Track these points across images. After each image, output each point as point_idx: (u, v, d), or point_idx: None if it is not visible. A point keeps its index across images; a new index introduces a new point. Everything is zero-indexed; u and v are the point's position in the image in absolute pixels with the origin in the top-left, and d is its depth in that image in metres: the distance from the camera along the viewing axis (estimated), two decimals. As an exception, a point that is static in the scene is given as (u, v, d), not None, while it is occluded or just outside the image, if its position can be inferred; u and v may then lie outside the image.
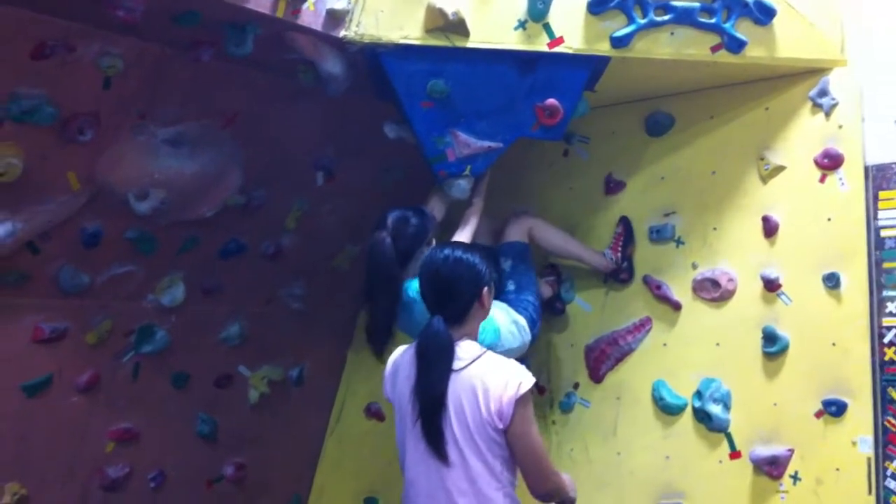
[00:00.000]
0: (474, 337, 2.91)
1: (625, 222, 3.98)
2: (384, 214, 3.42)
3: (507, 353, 3.25)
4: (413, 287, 3.27)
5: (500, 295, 3.64)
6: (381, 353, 3.33)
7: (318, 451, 4.80)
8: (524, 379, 2.72)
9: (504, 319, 3.46)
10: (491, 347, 3.04)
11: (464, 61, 3.47)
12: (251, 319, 4.34)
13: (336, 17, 3.32)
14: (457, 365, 2.75)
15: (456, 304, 2.82)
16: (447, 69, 3.49)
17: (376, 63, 3.49)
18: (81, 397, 3.79)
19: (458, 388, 2.74)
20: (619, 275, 3.96)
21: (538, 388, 3.93)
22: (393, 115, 3.79)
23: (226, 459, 4.39)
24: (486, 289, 2.87)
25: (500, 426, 2.71)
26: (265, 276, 4.32)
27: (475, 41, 3.38)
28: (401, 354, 3.02)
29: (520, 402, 2.69)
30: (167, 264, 3.92)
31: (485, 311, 2.92)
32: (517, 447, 2.74)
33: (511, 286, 3.70)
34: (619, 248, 3.94)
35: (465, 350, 2.79)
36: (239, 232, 4.11)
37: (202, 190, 3.71)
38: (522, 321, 3.53)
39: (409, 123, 3.64)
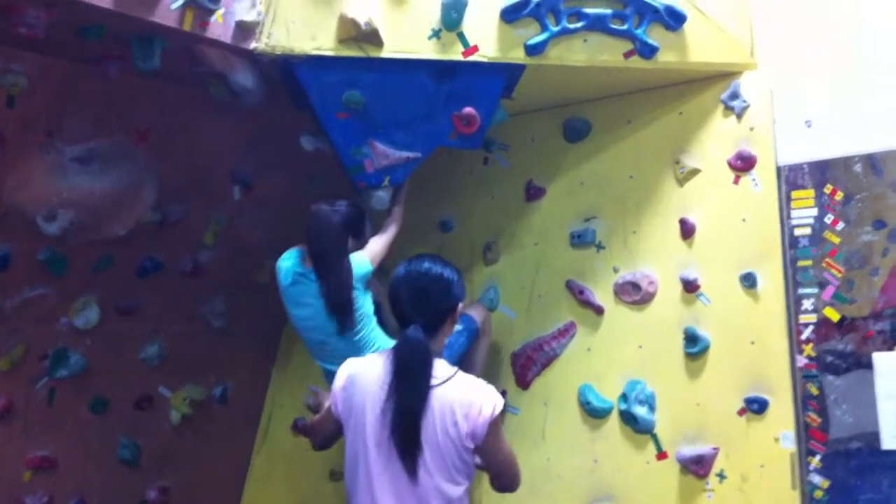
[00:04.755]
0: (441, 355, 2.82)
1: (503, 396, 3.86)
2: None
3: None
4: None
5: None
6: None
7: (246, 471, 4.71)
8: (497, 401, 2.69)
9: None
10: None
11: (379, 71, 3.44)
12: (171, 339, 4.24)
13: (246, 29, 3.27)
14: (432, 382, 2.65)
15: (433, 314, 2.73)
16: (362, 79, 3.46)
17: (290, 74, 3.44)
18: (-5, 426, 3.67)
19: (433, 406, 2.65)
20: None
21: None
22: (311, 127, 3.75)
23: (149, 483, 4.27)
24: (459, 304, 2.82)
25: (471, 445, 2.67)
26: (185, 293, 4.23)
27: (389, 51, 3.35)
28: (358, 367, 2.82)
29: (493, 423, 2.66)
30: (81, 285, 3.82)
31: (451, 330, 2.85)
32: (491, 461, 2.75)
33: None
34: None
35: (438, 368, 2.70)
36: (155, 249, 4.02)
37: (114, 208, 3.62)
38: None
39: (326, 135, 3.60)
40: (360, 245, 3.55)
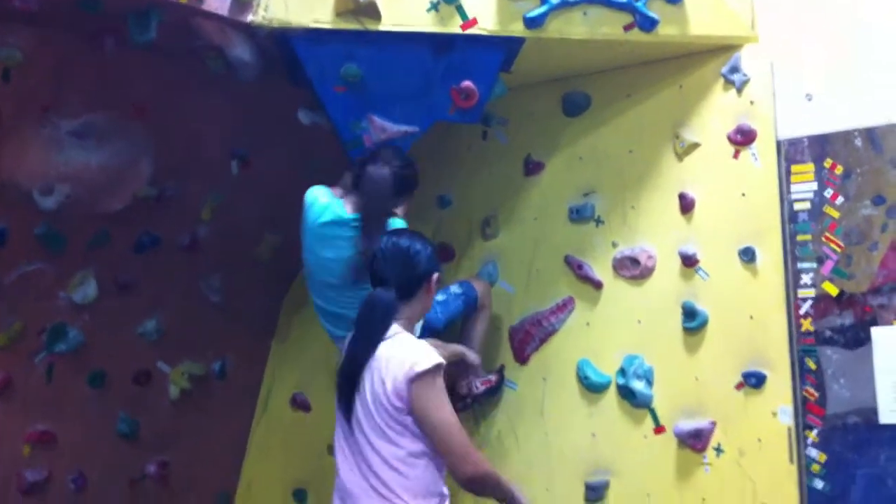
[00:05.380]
0: (408, 325, 2.94)
1: (501, 372, 3.97)
2: (373, 151, 3.50)
3: None
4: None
5: None
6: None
7: (245, 445, 4.72)
8: (421, 359, 2.73)
9: None
10: None
11: (377, 45, 3.41)
12: (169, 314, 4.23)
13: (243, 2, 3.22)
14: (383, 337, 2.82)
15: (405, 281, 2.90)
16: (360, 53, 3.43)
17: (288, 48, 3.42)
18: (-6, 401, 3.68)
19: (375, 360, 2.79)
20: (465, 396, 3.85)
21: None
22: (309, 101, 3.72)
23: (148, 458, 4.28)
24: (435, 275, 2.97)
25: (398, 404, 2.73)
26: (182, 269, 4.21)
27: (387, 24, 3.32)
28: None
29: (415, 381, 2.71)
30: (78, 260, 3.81)
31: (428, 300, 3.01)
32: (424, 428, 2.75)
33: (439, 297, 3.67)
34: (485, 386, 3.87)
35: (393, 329, 2.84)
36: (152, 225, 4.01)
37: (111, 183, 3.62)
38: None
39: (323, 109, 3.58)
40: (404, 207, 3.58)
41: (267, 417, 4.72)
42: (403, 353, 2.77)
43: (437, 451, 2.76)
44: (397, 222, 3.45)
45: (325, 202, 3.47)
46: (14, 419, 3.75)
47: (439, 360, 2.77)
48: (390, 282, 2.89)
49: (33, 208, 3.49)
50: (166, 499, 4.38)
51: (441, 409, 2.75)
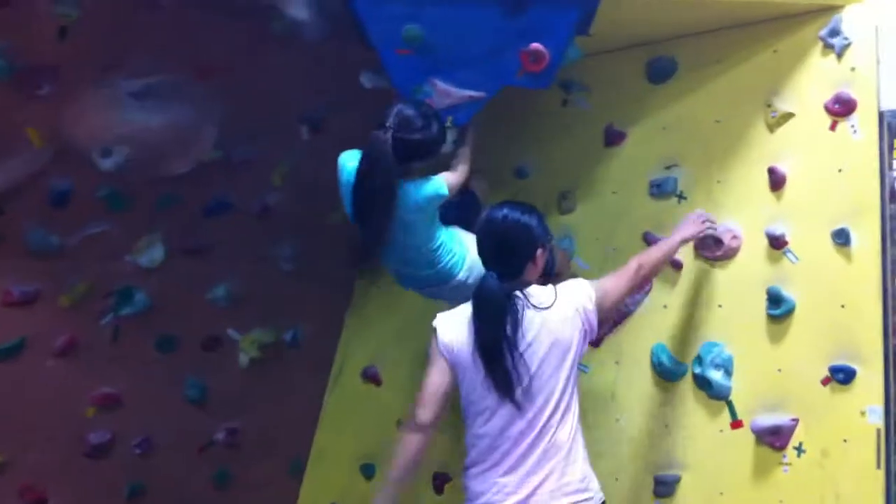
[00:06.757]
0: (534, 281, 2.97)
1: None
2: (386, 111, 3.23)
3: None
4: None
5: None
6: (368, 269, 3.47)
7: (316, 416, 4.69)
8: (585, 283, 2.95)
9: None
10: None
11: (442, 4, 3.23)
12: (240, 280, 4.21)
13: (298, -42, 3.12)
14: (541, 304, 2.82)
15: (510, 261, 2.89)
16: (424, 13, 3.25)
17: (350, 7, 3.27)
18: (58, 361, 3.72)
19: (549, 324, 2.81)
20: None
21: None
22: (376, 63, 3.58)
23: (218, 424, 4.30)
24: (539, 250, 2.93)
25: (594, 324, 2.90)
26: (253, 235, 4.17)
27: (452, -19, 3.15)
28: (452, 316, 2.98)
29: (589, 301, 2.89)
30: (145, 223, 3.81)
31: (537, 270, 2.98)
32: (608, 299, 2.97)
33: None
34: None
35: (538, 292, 2.86)
36: (222, 189, 3.96)
37: (173, 145, 3.56)
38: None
39: (386, 72, 3.43)
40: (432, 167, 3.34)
41: (339, 389, 4.67)
42: (576, 289, 2.91)
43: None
44: (438, 181, 3.24)
45: (352, 167, 3.29)
46: (78, 381, 3.79)
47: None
48: (496, 264, 2.89)
49: (96, 169, 3.47)
50: (237, 466, 4.38)
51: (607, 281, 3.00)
